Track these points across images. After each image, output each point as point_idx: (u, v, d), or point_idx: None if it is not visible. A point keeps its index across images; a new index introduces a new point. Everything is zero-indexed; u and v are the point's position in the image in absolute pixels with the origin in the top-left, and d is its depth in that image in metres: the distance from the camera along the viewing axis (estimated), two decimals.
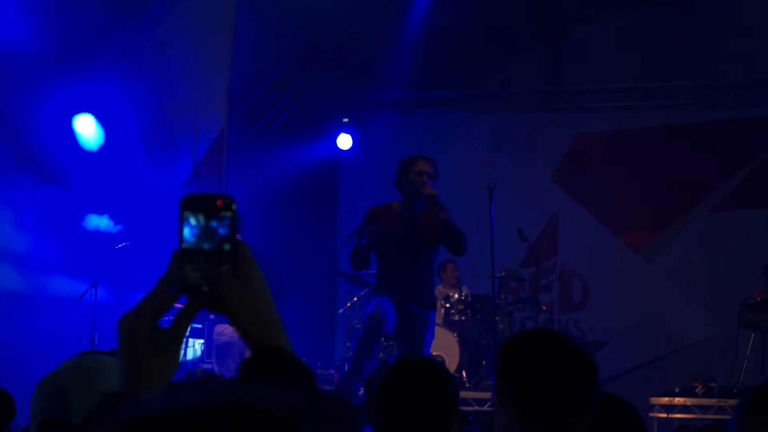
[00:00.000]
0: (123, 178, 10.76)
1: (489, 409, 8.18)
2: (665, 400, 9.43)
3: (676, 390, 9.56)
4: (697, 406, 9.30)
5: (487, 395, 8.70)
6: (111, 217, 10.59)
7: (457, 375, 9.77)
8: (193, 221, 1.33)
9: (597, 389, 2.50)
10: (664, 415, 9.32)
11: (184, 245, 1.33)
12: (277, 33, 12.27)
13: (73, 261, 10.31)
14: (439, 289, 10.43)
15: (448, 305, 10.46)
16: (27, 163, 10.48)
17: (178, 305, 1.35)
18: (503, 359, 2.57)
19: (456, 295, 10.54)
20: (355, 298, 11.19)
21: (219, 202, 1.33)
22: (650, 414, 9.25)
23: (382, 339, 8.82)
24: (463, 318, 10.43)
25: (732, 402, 8.64)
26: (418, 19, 12.26)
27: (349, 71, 13.14)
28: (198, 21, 11.01)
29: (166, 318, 1.32)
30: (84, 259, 10.26)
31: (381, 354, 9.22)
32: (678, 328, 12.12)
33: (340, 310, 12.19)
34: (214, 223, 1.33)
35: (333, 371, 11.19)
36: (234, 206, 1.33)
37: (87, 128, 10.46)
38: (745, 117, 12.52)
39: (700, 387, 9.49)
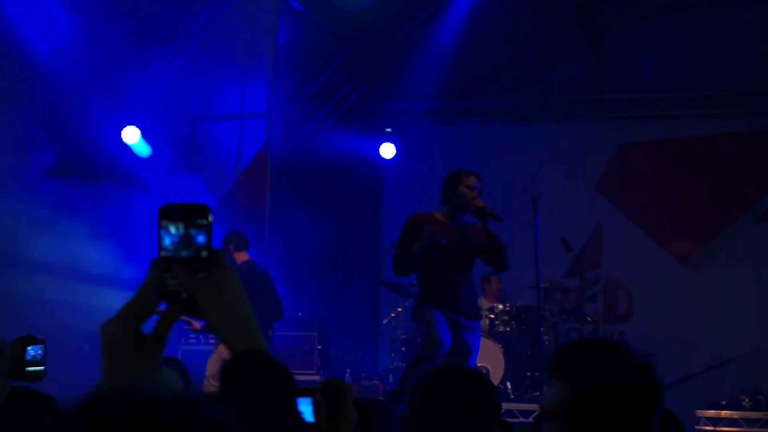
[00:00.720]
0: (166, 187, 10.84)
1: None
2: (712, 413, 9.33)
3: (723, 403, 9.46)
4: (745, 420, 9.19)
5: (532, 407, 8.65)
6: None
7: (502, 386, 9.71)
8: (172, 230, 1.36)
9: (660, 407, 2.34)
10: (710, 429, 9.23)
11: (162, 253, 1.36)
12: (320, 43, 12.33)
13: (113, 270, 10.38)
14: (482, 301, 10.37)
15: (492, 316, 10.41)
16: (71, 169, 10.59)
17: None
18: (568, 366, 2.34)
19: (501, 306, 10.50)
20: (399, 309, 11.16)
21: (196, 211, 1.37)
22: (696, 427, 9.15)
23: None
24: (508, 329, 10.37)
25: None
26: (460, 29, 12.24)
27: (391, 81, 13.16)
28: (240, 32, 11.08)
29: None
30: (123, 269, 10.33)
31: None
32: (724, 339, 11.96)
33: (384, 321, 12.16)
34: (192, 231, 1.36)
35: (378, 382, 11.17)
36: (210, 215, 1.37)
37: (134, 139, 10.59)
38: None
39: (747, 400, 9.39)
